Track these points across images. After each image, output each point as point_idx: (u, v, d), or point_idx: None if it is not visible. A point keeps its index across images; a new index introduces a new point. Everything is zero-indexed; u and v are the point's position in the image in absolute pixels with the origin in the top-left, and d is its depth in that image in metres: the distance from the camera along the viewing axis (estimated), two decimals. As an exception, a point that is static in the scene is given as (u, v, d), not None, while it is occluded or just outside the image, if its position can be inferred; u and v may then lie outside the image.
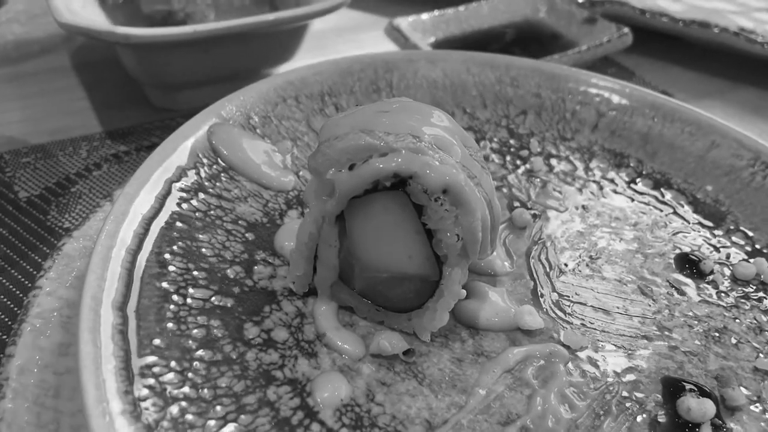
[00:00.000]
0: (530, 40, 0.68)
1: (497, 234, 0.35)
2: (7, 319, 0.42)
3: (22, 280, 0.44)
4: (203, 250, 0.36)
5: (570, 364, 0.35)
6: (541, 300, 0.38)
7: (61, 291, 0.37)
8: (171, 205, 0.37)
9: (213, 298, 0.34)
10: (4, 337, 0.40)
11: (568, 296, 0.39)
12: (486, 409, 0.32)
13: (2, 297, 0.43)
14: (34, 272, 0.45)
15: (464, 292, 0.34)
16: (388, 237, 0.32)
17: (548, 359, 0.35)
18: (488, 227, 0.33)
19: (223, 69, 0.58)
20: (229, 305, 0.34)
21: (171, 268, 0.34)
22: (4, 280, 0.44)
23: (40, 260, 0.46)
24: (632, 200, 0.46)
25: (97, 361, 0.28)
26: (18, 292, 0.43)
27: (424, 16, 0.65)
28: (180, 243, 0.36)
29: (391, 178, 0.31)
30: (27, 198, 0.51)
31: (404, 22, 0.63)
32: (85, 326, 0.29)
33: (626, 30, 0.64)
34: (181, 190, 0.38)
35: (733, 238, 0.43)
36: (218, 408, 0.30)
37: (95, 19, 0.53)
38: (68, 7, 0.52)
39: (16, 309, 0.42)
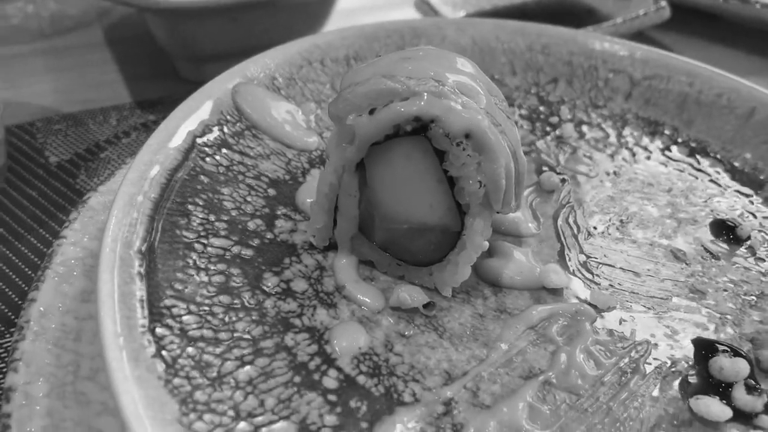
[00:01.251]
0: (564, 15, 0.66)
1: (522, 189, 0.34)
2: (30, 272, 0.42)
3: (50, 238, 0.45)
4: (225, 203, 0.36)
5: (597, 323, 0.34)
6: (568, 261, 0.37)
7: (85, 241, 0.37)
8: (194, 159, 0.37)
9: (234, 248, 0.34)
10: (27, 288, 0.41)
11: (596, 258, 0.37)
12: (508, 363, 0.31)
13: (30, 253, 0.43)
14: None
15: (487, 244, 0.33)
16: (408, 185, 0.32)
17: (574, 317, 0.34)
18: (512, 177, 0.32)
19: (251, 40, 0.58)
20: (249, 255, 0.34)
21: (192, 217, 0.34)
22: (32, 239, 0.45)
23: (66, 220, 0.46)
24: (666, 167, 0.44)
25: (116, 299, 0.28)
26: (45, 248, 0.44)
27: (455, -10, 0.65)
28: (202, 195, 0.36)
29: (412, 122, 0.31)
30: (57, 162, 0.52)
31: (434, -4, 0.63)
32: (105, 267, 0.29)
33: (663, 3, 0.62)
34: (205, 144, 0.38)
35: (773, 205, 0.42)
36: (235, 351, 0.29)
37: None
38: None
39: (40, 262, 0.43)
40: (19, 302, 0.41)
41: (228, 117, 0.41)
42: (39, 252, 0.44)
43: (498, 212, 0.33)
